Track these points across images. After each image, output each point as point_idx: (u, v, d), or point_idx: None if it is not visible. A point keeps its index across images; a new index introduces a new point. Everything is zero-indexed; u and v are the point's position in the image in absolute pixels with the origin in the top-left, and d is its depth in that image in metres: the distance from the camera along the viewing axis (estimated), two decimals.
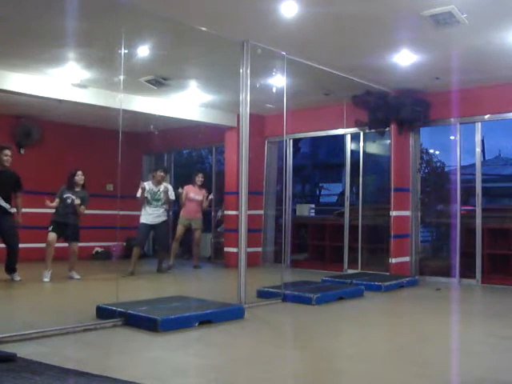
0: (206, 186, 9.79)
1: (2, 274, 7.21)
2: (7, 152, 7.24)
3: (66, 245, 7.77)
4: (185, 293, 6.12)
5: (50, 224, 7.63)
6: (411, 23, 5.49)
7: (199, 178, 9.45)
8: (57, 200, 7.64)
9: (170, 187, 8.86)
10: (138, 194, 8.48)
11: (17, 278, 7.20)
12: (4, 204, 7.10)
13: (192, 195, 9.36)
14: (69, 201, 7.64)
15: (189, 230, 9.49)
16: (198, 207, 9.45)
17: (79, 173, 7.77)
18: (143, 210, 8.51)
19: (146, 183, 8.59)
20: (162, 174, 8.70)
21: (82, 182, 7.78)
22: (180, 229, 9.32)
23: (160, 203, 8.54)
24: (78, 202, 7.63)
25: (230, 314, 5.12)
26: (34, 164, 9.87)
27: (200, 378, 3.52)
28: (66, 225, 7.61)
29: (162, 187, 8.59)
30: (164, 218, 8.64)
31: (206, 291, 6.66)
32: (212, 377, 3.48)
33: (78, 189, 7.74)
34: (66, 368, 3.40)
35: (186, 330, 4.59)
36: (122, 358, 3.80)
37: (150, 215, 8.47)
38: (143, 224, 8.50)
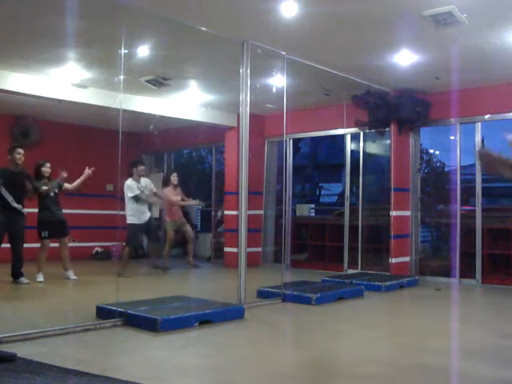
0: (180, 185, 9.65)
1: (5, 276, 7.16)
2: (20, 150, 7.15)
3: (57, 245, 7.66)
4: (185, 293, 6.12)
5: (42, 228, 7.41)
6: (411, 23, 5.49)
7: (174, 178, 9.34)
8: (43, 188, 7.40)
9: (149, 180, 8.74)
10: (132, 194, 8.23)
11: (24, 281, 7.06)
12: (16, 205, 7.00)
13: (174, 199, 9.23)
14: (52, 194, 7.49)
15: (177, 232, 9.41)
16: (180, 208, 9.43)
17: (48, 165, 7.58)
18: (131, 209, 8.25)
19: (128, 180, 8.34)
20: (143, 167, 8.58)
21: (47, 175, 7.56)
22: (171, 234, 9.19)
23: (142, 201, 8.42)
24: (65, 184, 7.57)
25: (230, 313, 5.12)
26: (34, 164, 9.86)
27: (200, 378, 3.52)
28: (57, 222, 7.50)
29: (143, 183, 8.47)
30: (149, 214, 8.56)
31: (206, 291, 6.66)
32: (212, 377, 3.48)
33: (45, 180, 7.53)
34: (65, 368, 3.40)
35: (186, 329, 4.60)
36: (122, 358, 3.81)
37: (140, 215, 8.29)
38: (134, 225, 8.26)
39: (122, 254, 8.42)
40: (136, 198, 8.24)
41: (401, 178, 8.49)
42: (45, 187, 7.40)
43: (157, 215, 9.04)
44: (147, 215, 8.45)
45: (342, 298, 6.34)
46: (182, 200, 9.43)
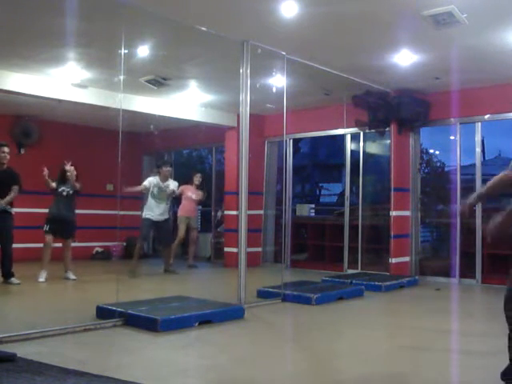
0: (204, 186, 9.87)
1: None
2: (5, 149, 7.08)
3: (59, 245, 7.63)
4: (185, 293, 6.11)
5: (46, 222, 7.43)
6: (411, 23, 5.49)
7: (197, 178, 9.54)
8: (53, 184, 7.42)
9: (175, 183, 8.75)
10: (140, 188, 8.29)
11: (15, 281, 7.02)
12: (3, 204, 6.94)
13: (189, 194, 9.42)
14: (64, 194, 7.48)
15: (187, 229, 9.52)
16: (195, 206, 9.60)
17: (71, 168, 7.54)
18: (148, 205, 8.32)
19: (152, 178, 8.43)
20: (168, 169, 8.61)
21: (73, 178, 7.53)
22: (182, 228, 9.32)
23: (166, 199, 8.43)
24: (78, 186, 7.53)
25: (230, 313, 5.12)
26: (34, 164, 9.85)
27: (200, 377, 3.52)
28: (62, 221, 7.47)
29: (169, 183, 8.49)
30: (167, 216, 8.56)
31: (206, 291, 6.66)
32: (212, 377, 3.48)
33: (68, 183, 7.54)
34: (65, 368, 3.40)
35: (186, 329, 4.59)
36: (122, 358, 3.80)
37: (155, 211, 8.29)
38: (148, 220, 8.28)
39: (133, 251, 8.40)
40: (152, 195, 8.29)
41: (401, 178, 8.49)
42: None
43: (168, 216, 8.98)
44: (164, 216, 8.43)
45: (341, 298, 6.34)
46: (199, 201, 9.56)
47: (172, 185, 8.54)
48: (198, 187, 9.57)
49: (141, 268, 8.45)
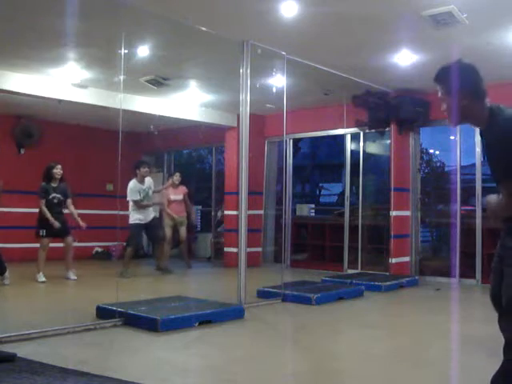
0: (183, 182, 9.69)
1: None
2: None
3: (60, 245, 7.61)
4: (184, 293, 6.12)
5: (40, 226, 7.40)
6: (411, 23, 5.49)
7: (176, 178, 9.35)
8: (42, 201, 7.41)
9: (151, 180, 8.67)
10: (137, 197, 8.19)
11: (6, 277, 6.98)
12: None
13: (172, 197, 9.27)
14: (55, 201, 7.47)
15: (177, 231, 9.40)
16: (181, 206, 9.36)
17: (58, 166, 7.54)
18: (135, 210, 8.23)
19: (131, 184, 8.27)
20: (146, 169, 8.53)
21: (59, 176, 7.53)
22: (168, 231, 9.18)
23: (148, 200, 8.40)
24: (69, 201, 7.55)
25: (230, 313, 5.13)
26: (34, 164, 9.86)
27: (200, 377, 3.52)
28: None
29: (146, 183, 8.44)
30: (154, 214, 8.53)
31: (206, 291, 6.66)
32: (212, 377, 3.49)
33: (55, 184, 7.53)
34: (66, 368, 3.41)
35: (186, 329, 4.60)
36: (122, 358, 3.81)
37: (143, 214, 8.26)
38: (137, 224, 8.24)
39: (123, 253, 8.40)
40: (138, 203, 8.22)
41: (401, 177, 8.49)
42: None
43: (157, 215, 8.98)
44: (151, 215, 8.42)
45: (342, 298, 6.34)
46: (185, 201, 9.42)
47: (150, 185, 8.47)
48: (178, 186, 9.36)
49: (134, 269, 8.43)
